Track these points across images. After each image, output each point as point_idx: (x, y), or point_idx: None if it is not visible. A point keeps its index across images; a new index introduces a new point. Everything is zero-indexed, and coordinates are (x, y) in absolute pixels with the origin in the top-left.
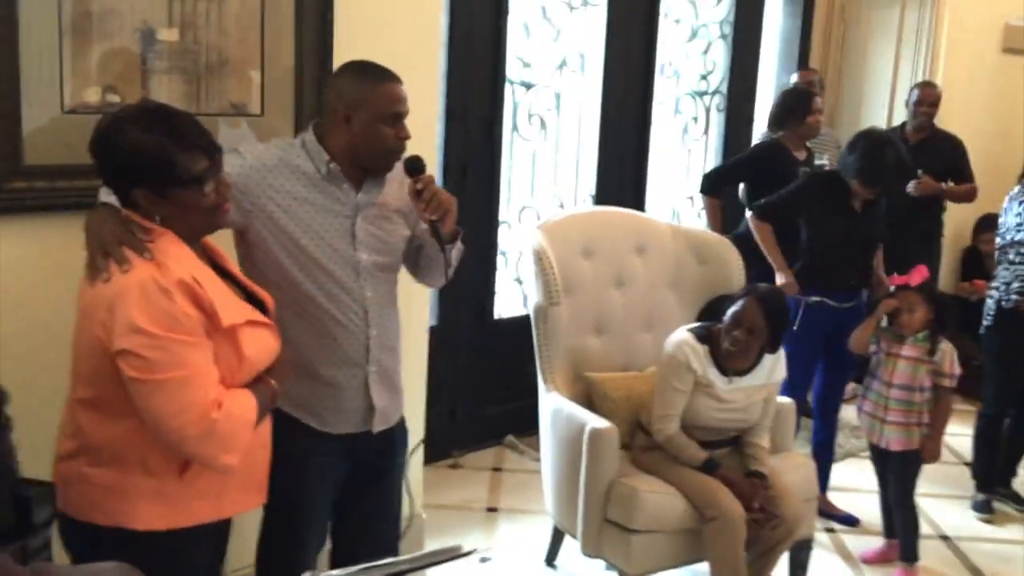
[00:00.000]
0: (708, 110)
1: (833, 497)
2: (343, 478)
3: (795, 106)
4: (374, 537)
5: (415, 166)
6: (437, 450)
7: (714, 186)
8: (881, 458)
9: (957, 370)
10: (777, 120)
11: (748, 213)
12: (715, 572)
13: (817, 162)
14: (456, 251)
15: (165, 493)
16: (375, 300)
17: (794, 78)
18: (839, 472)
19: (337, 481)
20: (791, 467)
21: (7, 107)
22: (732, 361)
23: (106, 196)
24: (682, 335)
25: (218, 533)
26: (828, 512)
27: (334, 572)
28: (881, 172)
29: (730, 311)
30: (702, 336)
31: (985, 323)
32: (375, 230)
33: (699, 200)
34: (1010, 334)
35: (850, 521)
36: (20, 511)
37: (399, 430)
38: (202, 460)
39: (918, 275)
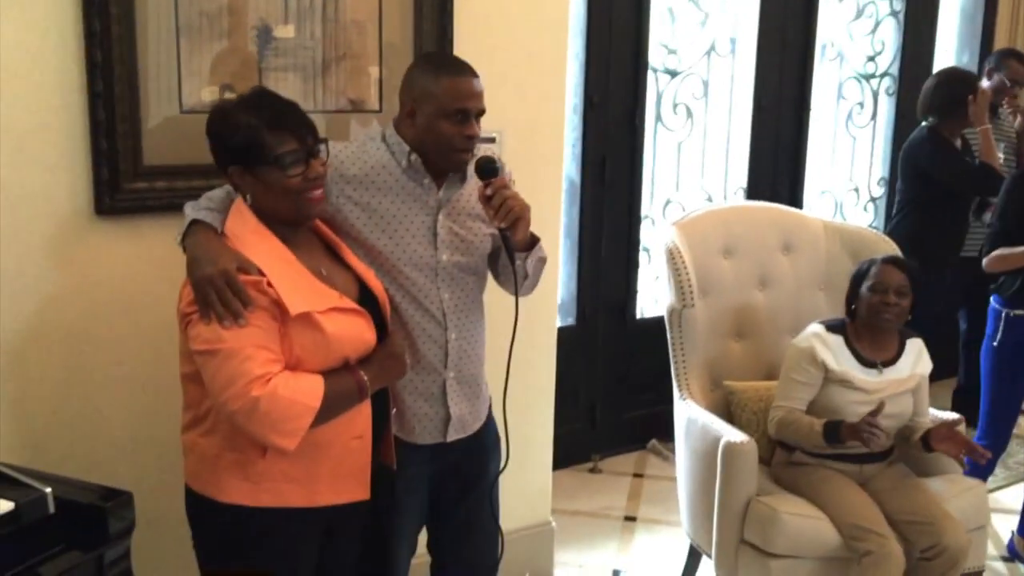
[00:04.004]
0: (876, 94)
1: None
2: (431, 492)
3: (962, 91)
4: (469, 551)
5: (486, 169)
6: (575, 454)
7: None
8: None
9: None
10: (943, 107)
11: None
12: None
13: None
14: (534, 261)
15: (250, 470)
16: (453, 303)
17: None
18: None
19: (424, 495)
20: (958, 491)
21: (127, 108)
22: (880, 339)
23: (192, 211)
24: (812, 327)
25: (323, 521)
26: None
27: None
28: None
29: (865, 286)
30: (835, 327)
31: None
32: (458, 228)
33: (864, 192)
34: None
35: None
36: (97, 522)
37: (488, 436)
38: (254, 437)
39: None
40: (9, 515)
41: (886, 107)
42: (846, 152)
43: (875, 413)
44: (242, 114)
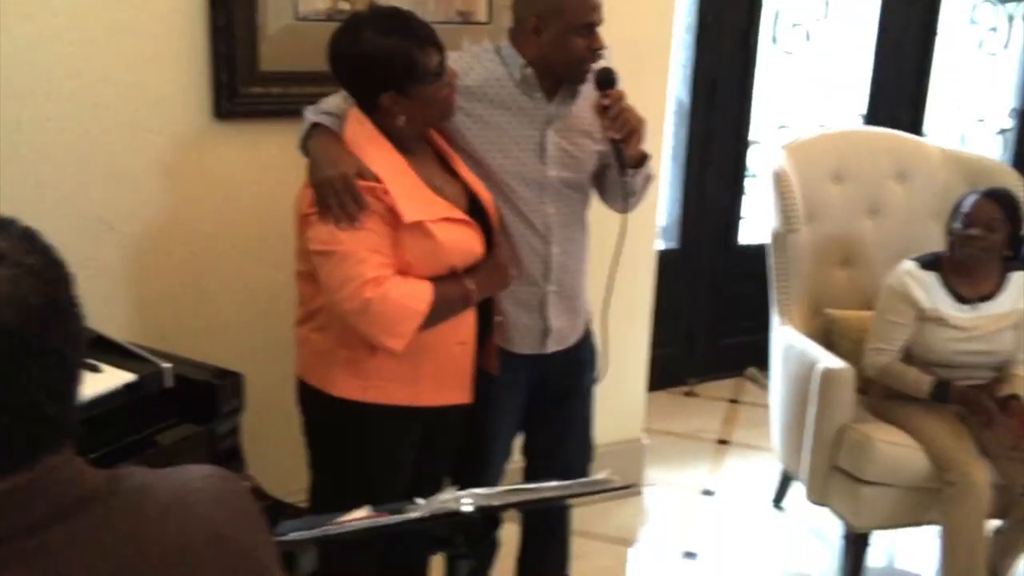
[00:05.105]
0: (1011, 19)
1: None
2: (527, 399)
3: None
4: (562, 455)
5: (605, 79)
6: (672, 377)
7: None
8: None
9: None
10: None
11: None
12: (948, 543)
13: None
14: (642, 178)
15: (360, 367)
16: (558, 218)
17: None
18: None
19: (521, 402)
20: None
21: (245, 14)
22: (976, 273)
23: (314, 115)
24: (904, 264)
25: (424, 420)
26: None
27: (479, 490)
28: None
29: (959, 215)
30: (929, 263)
31: None
32: (566, 144)
33: (993, 123)
34: None
35: None
36: (209, 398)
37: (585, 350)
38: (365, 336)
39: None
40: (131, 386)
41: (1022, 33)
42: (976, 81)
43: (1002, 401)
44: (383, 37)
